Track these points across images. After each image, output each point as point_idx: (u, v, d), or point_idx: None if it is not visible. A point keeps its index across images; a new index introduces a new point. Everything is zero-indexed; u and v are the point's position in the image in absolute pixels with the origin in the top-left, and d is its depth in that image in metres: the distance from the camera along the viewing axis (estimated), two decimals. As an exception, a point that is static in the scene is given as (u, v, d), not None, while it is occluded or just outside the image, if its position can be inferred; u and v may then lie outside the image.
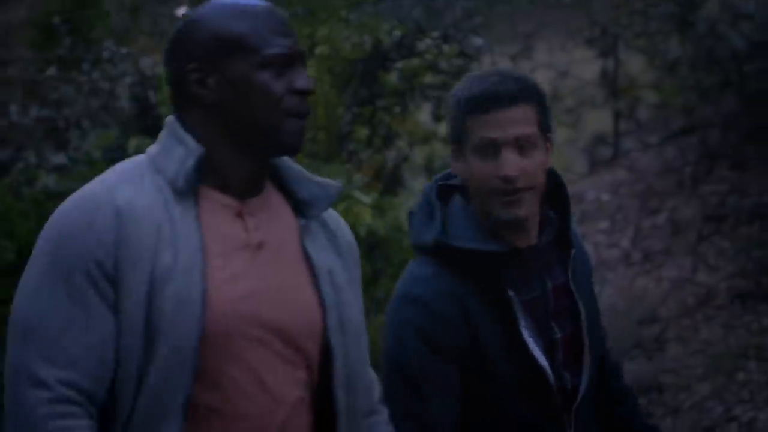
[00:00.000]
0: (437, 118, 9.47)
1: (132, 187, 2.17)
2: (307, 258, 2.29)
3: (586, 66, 10.71)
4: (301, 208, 2.32)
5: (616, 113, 10.57)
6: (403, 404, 2.54)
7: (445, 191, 2.71)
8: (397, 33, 8.94)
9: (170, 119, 2.27)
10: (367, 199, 7.25)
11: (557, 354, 2.65)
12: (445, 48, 8.81)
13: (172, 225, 2.15)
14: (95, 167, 7.30)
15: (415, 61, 8.63)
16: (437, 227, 2.61)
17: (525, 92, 2.60)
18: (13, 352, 2.12)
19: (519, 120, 2.56)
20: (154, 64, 8.29)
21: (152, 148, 2.26)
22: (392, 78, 8.48)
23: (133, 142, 7.33)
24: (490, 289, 2.59)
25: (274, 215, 2.29)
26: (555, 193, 2.72)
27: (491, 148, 2.56)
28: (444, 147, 9.61)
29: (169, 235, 2.14)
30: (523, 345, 2.58)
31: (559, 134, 10.27)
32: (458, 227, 2.62)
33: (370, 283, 8.06)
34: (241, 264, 2.21)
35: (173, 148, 2.21)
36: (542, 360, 2.59)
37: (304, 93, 2.23)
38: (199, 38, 2.22)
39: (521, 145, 2.56)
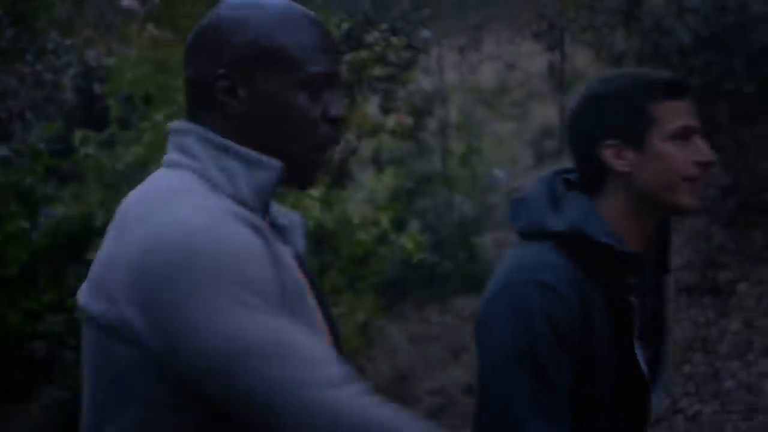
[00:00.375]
0: (385, 110, 9.46)
1: (231, 220, 1.91)
2: (314, 287, 2.17)
3: (534, 59, 10.77)
4: (278, 233, 2.17)
5: (563, 106, 10.64)
6: (529, 395, 2.36)
7: (567, 184, 2.58)
8: (346, 25, 8.92)
9: (194, 127, 2.03)
10: (315, 192, 7.22)
11: (649, 371, 2.61)
12: (394, 40, 8.81)
13: (270, 249, 1.95)
14: (39, 159, 7.21)
15: (363, 54, 8.61)
16: (577, 217, 2.46)
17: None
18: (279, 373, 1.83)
19: (694, 111, 2.48)
20: (98, 55, 8.19)
21: (187, 162, 2.00)
22: (340, 70, 8.47)
23: (77, 134, 7.24)
24: (615, 290, 2.46)
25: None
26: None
27: (687, 135, 2.45)
28: (392, 139, 9.61)
29: (276, 261, 1.95)
30: (632, 355, 2.49)
31: (506, 127, 10.30)
32: (593, 222, 2.46)
33: (318, 276, 8.08)
34: None
35: (222, 162, 1.99)
36: (648, 374, 2.53)
37: (337, 121, 2.04)
38: (235, 41, 2.01)
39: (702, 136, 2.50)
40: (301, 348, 1.81)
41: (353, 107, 8.77)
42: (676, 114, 2.44)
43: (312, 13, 2.06)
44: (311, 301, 2.04)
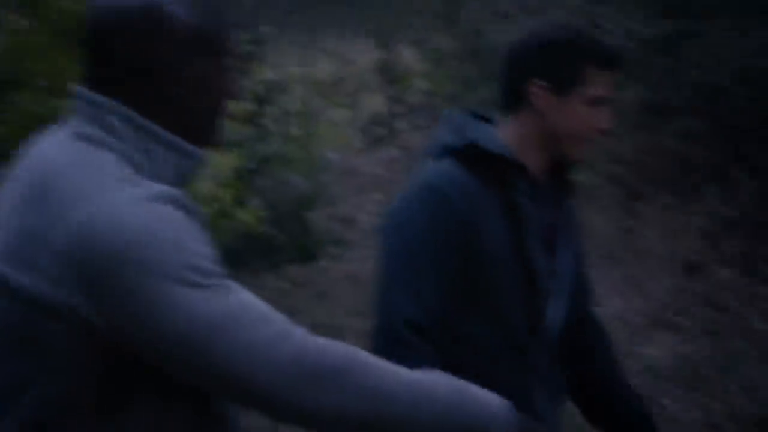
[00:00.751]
0: (230, 97, 9.54)
1: (170, 197, 1.85)
2: None
3: (366, 55, 10.90)
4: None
5: (391, 97, 10.83)
6: (401, 281, 2.49)
7: (472, 116, 2.66)
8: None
9: (122, 109, 1.91)
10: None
11: (551, 278, 2.63)
12: (237, 34, 8.88)
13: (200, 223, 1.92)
14: None
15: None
16: (472, 134, 2.57)
17: None
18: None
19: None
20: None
21: (112, 142, 1.89)
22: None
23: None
24: (508, 197, 2.55)
25: None
26: None
27: (601, 102, 2.55)
28: (234, 123, 9.72)
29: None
30: (526, 251, 2.56)
31: (340, 114, 10.46)
32: (489, 138, 2.57)
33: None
34: None
35: (149, 147, 1.92)
36: (541, 269, 2.58)
37: (234, 98, 2.02)
38: (174, 25, 1.90)
39: None
40: (250, 310, 1.81)
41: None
42: (602, 84, 2.54)
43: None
44: None
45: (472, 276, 2.53)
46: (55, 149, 1.90)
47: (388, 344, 2.46)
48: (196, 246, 1.81)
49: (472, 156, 2.57)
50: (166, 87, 1.92)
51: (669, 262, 7.05)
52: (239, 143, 9.59)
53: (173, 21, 1.90)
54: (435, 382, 1.95)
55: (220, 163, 9.08)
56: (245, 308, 1.81)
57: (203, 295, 1.78)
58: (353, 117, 10.20)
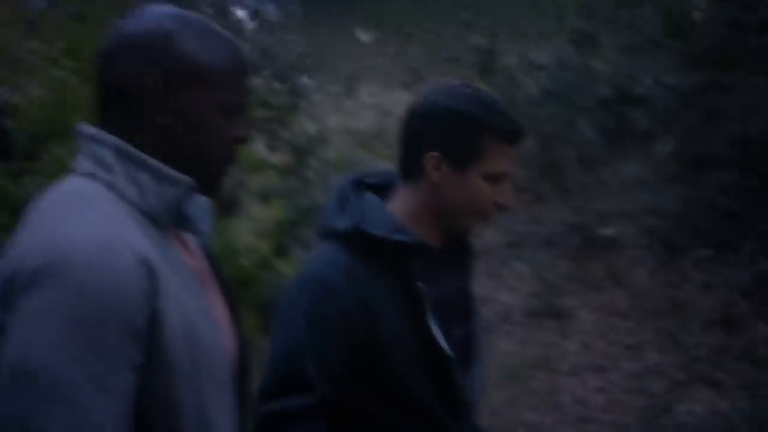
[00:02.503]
0: (271, 148, 9.59)
1: (133, 227, 1.80)
2: (219, 278, 2.06)
3: (404, 106, 10.90)
4: (185, 222, 1.99)
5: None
6: (283, 379, 2.31)
7: (359, 187, 2.50)
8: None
9: (109, 137, 1.88)
10: (202, 222, 7.33)
11: (454, 350, 2.47)
12: (276, 86, 8.94)
13: (171, 264, 1.85)
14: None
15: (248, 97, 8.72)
16: (356, 216, 2.40)
17: None
18: (29, 414, 1.66)
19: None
20: (8, 92, 8.22)
21: (99, 172, 1.86)
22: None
23: (-14, 166, 7.28)
24: (401, 280, 2.38)
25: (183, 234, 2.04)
26: None
27: (501, 178, 2.37)
28: (277, 176, 9.75)
29: (176, 277, 1.84)
30: (430, 337, 2.39)
31: (381, 166, 10.44)
32: (374, 218, 2.40)
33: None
34: (208, 299, 1.94)
35: (136, 175, 1.86)
36: (448, 350, 2.41)
37: (242, 142, 1.95)
38: (171, 54, 1.86)
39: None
40: (73, 405, 1.67)
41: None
42: (502, 159, 2.37)
43: (231, 36, 1.95)
44: (206, 290, 1.95)
45: (375, 367, 2.36)
46: (54, 188, 1.87)
47: None
48: (114, 305, 1.69)
49: (357, 239, 2.39)
50: (154, 116, 1.86)
51: (707, 317, 6.93)
52: (280, 194, 9.62)
53: (170, 49, 1.86)
54: None
55: (261, 214, 9.13)
56: (71, 400, 1.66)
57: (62, 354, 1.66)
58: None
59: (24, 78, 8.69)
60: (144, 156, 1.85)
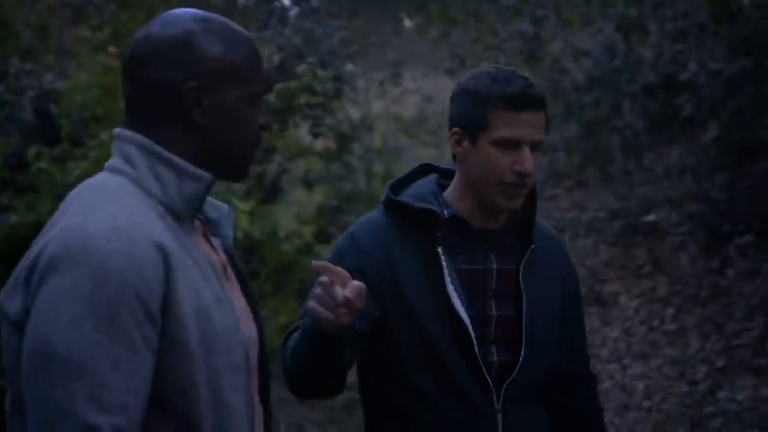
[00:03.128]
0: (314, 134, 9.64)
1: (153, 217, 1.93)
2: (240, 276, 2.17)
3: (448, 93, 10.89)
4: (210, 226, 2.16)
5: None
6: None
7: (426, 169, 2.76)
8: (278, 57, 9.07)
9: (135, 135, 1.99)
10: (244, 205, 7.37)
11: (488, 328, 2.61)
12: (320, 72, 8.97)
13: (189, 255, 1.96)
14: (-5, 172, 7.35)
15: (292, 84, 8.76)
16: (404, 190, 2.68)
17: (545, 101, 2.58)
18: (54, 391, 1.81)
19: (539, 125, 2.54)
20: (54, 79, 8.32)
21: (125, 168, 1.99)
22: (271, 98, 8.59)
23: (32, 150, 7.39)
24: (425, 244, 2.59)
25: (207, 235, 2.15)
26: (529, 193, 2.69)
27: (515, 144, 2.53)
28: (320, 162, 9.80)
29: (194, 266, 1.95)
30: (447, 299, 2.55)
31: (425, 152, 10.48)
32: (413, 190, 2.66)
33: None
34: (227, 288, 2.05)
35: (158, 171, 1.98)
36: (463, 313, 2.55)
37: (267, 129, 2.11)
38: (205, 55, 1.99)
39: (533, 147, 2.55)
40: (93, 381, 1.80)
41: (283, 132, 8.94)
42: (511, 125, 2.52)
43: (248, 33, 2.09)
44: (225, 282, 2.05)
45: (397, 319, 2.57)
46: (83, 183, 2.02)
47: None
48: (129, 291, 1.83)
49: (392, 206, 2.65)
50: (192, 116, 1.99)
51: (749, 303, 6.89)
52: (323, 180, 9.67)
53: (200, 51, 1.99)
54: None
55: (304, 200, 9.19)
56: (93, 375, 1.80)
57: (82, 335, 1.81)
58: (437, 155, 10.19)
59: (70, 64, 8.80)
60: (167, 153, 1.98)
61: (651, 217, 8.16)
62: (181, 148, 2.00)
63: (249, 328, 2.07)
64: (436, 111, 10.68)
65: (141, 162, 1.98)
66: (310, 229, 8.25)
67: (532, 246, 2.66)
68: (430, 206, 2.60)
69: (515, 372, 2.60)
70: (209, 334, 1.93)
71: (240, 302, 2.09)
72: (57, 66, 8.89)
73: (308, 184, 9.68)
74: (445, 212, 2.61)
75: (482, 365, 2.58)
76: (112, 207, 1.90)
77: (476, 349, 2.56)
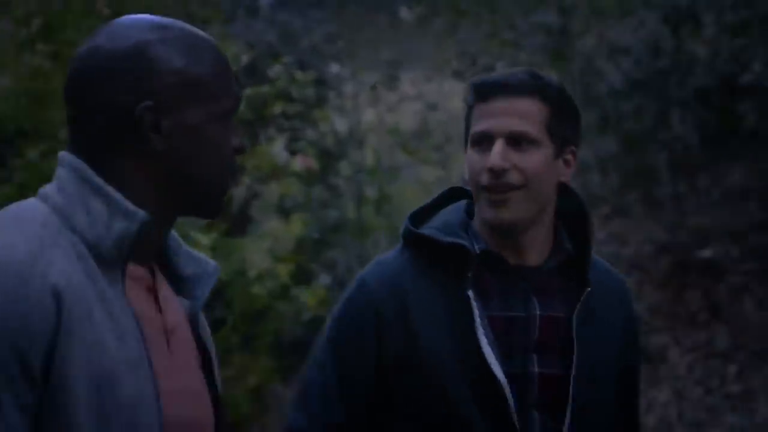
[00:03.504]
0: (292, 151, 9.62)
1: (60, 255, 1.92)
2: (201, 347, 2.15)
3: (456, 99, 10.90)
4: (180, 284, 2.14)
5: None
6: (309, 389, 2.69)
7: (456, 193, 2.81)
8: (247, 57, 9.06)
9: (73, 159, 2.00)
10: (204, 239, 7.36)
11: (529, 390, 2.60)
12: (299, 75, 8.97)
13: (105, 307, 1.94)
14: None
15: (264, 89, 8.76)
16: (428, 220, 2.71)
17: (534, 86, 2.62)
18: None
19: (518, 113, 2.60)
20: None
21: (54, 195, 2.00)
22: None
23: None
24: (451, 287, 2.61)
25: (167, 291, 2.13)
26: (577, 222, 2.72)
27: (486, 140, 2.60)
28: (299, 185, 9.78)
29: (107, 321, 1.93)
30: (479, 354, 2.55)
31: (427, 172, 10.48)
32: (439, 219, 2.68)
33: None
34: (166, 356, 2.04)
35: (90, 203, 1.98)
36: (499, 371, 2.55)
37: (242, 151, 2.09)
38: (159, 70, 2.00)
39: (517, 141, 2.59)
40: None
41: (253, 147, 8.92)
42: (477, 119, 2.64)
43: (212, 38, 2.09)
44: (148, 351, 2.01)
45: (411, 380, 2.60)
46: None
47: None
48: (9, 350, 1.83)
49: (414, 241, 2.69)
50: (149, 143, 1.98)
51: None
52: (303, 207, 9.65)
53: (156, 64, 1.99)
54: None
55: (278, 231, 9.16)
56: None
57: None
58: (445, 176, 10.18)
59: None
60: (103, 183, 1.98)
61: (707, 253, 8.16)
62: (136, 182, 2.00)
63: (191, 411, 2.06)
64: (441, 121, 10.67)
65: (72, 190, 1.99)
66: (286, 268, 8.23)
67: (588, 288, 2.66)
68: (459, 240, 2.61)
69: None
70: (108, 407, 1.90)
71: (183, 377, 2.06)
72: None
73: (284, 211, 9.66)
74: (476, 247, 2.63)
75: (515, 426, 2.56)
76: (14, 237, 1.90)
77: (515, 416, 2.56)
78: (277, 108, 9.01)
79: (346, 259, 9.53)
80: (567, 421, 2.60)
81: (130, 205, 1.98)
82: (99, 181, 1.98)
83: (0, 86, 8.10)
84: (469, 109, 2.67)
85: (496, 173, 2.58)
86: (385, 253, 2.76)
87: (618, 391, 2.72)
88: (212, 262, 2.18)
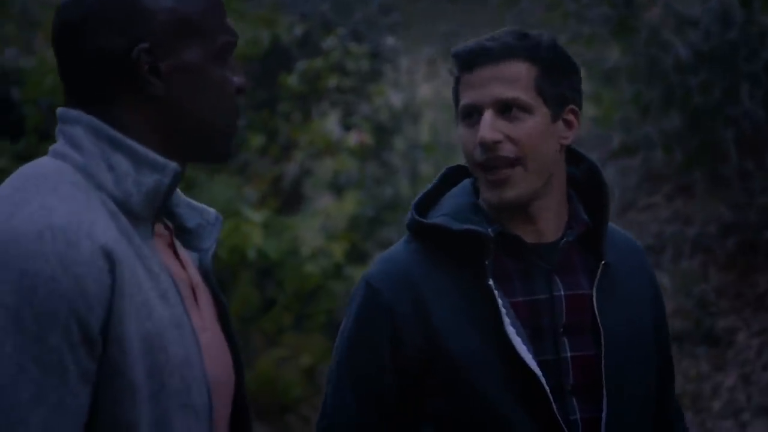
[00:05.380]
0: (346, 126, 9.62)
1: (99, 214, 1.90)
2: (216, 300, 2.15)
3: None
4: (185, 237, 2.15)
5: (549, 127, 10.74)
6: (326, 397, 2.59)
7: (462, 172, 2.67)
8: (300, 29, 9.07)
9: (80, 115, 1.98)
10: (257, 216, 7.37)
11: (564, 376, 2.52)
12: (354, 48, 8.97)
13: (145, 265, 1.94)
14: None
15: (318, 62, 8.76)
16: (433, 207, 2.59)
17: (519, 47, 2.50)
18: None
19: (505, 79, 2.49)
20: (18, 55, 8.34)
21: (70, 153, 1.96)
22: (292, 80, 8.58)
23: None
24: (468, 277, 2.50)
25: (179, 246, 2.13)
26: (593, 188, 2.63)
27: (476, 113, 2.49)
28: (353, 161, 9.77)
29: (149, 280, 1.94)
30: (507, 345, 2.46)
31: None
32: (447, 205, 2.57)
33: (259, 314, 8.17)
34: (198, 313, 2.05)
35: (111, 158, 1.96)
36: (531, 362, 2.46)
37: (243, 91, 2.10)
38: (152, 10, 1.98)
39: (507, 108, 2.49)
40: (8, 416, 1.80)
41: (306, 122, 8.94)
42: (465, 90, 2.51)
43: None
44: (193, 305, 2.05)
45: (438, 382, 2.51)
46: (17, 171, 1.99)
47: None
48: (55, 302, 1.81)
49: (422, 231, 2.57)
50: (148, 87, 1.98)
51: None
52: (357, 184, 9.65)
53: (147, 4, 1.98)
54: None
55: (331, 209, 9.17)
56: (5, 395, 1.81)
57: (9, 359, 1.79)
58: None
59: (36, 36, 8.82)
60: (121, 136, 1.97)
61: (776, 232, 8.11)
62: (139, 130, 1.99)
63: (220, 368, 2.07)
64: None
65: (90, 147, 1.96)
66: (340, 247, 8.24)
67: (603, 261, 2.58)
68: (473, 226, 2.49)
69: (602, 430, 2.53)
70: (160, 367, 1.91)
71: (211, 334, 2.07)
72: (20, 39, 8.90)
73: (337, 188, 9.67)
74: (489, 230, 2.51)
75: (564, 428, 2.49)
76: (48, 198, 1.87)
77: (554, 406, 2.48)
78: (331, 82, 9.01)
79: (401, 237, 9.52)
80: (604, 403, 2.52)
81: (158, 157, 1.97)
82: (118, 134, 1.97)
83: (49, 58, 8.11)
84: (456, 81, 2.54)
85: (487, 147, 2.47)
86: (390, 249, 2.62)
87: (659, 363, 2.66)
88: (213, 211, 2.19)
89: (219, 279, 2.28)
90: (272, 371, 7.78)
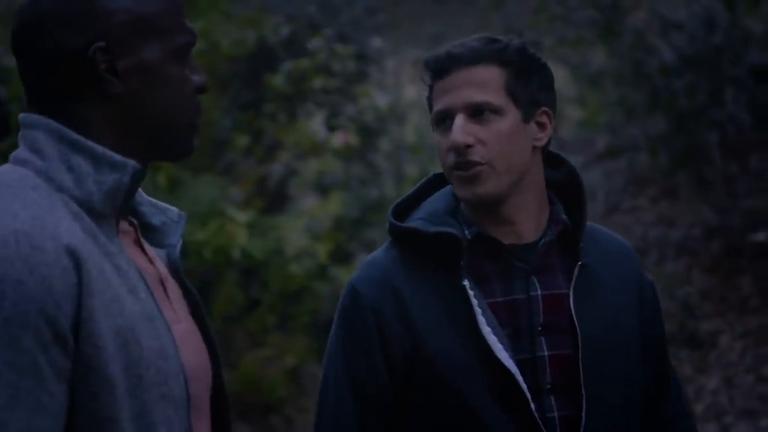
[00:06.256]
0: (331, 127, 9.62)
1: (61, 216, 1.94)
2: (187, 294, 2.20)
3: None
4: (151, 234, 2.19)
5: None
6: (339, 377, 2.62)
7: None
8: (286, 29, 9.06)
9: (40, 119, 2.01)
10: (242, 217, 7.37)
11: (541, 374, 2.57)
12: (340, 49, 8.97)
13: (111, 262, 1.98)
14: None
15: (303, 63, 8.76)
16: (413, 211, 2.65)
17: (489, 51, 2.56)
18: None
19: (475, 83, 2.54)
20: (4, 52, 8.33)
21: (31, 158, 1.99)
22: (278, 80, 8.58)
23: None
24: (445, 279, 2.56)
25: (146, 243, 2.18)
26: (571, 189, 2.69)
27: (448, 118, 2.54)
28: (338, 162, 9.78)
29: (117, 276, 1.97)
30: (484, 345, 2.51)
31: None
32: (424, 209, 2.63)
33: (244, 314, 8.18)
34: (168, 306, 2.10)
35: (71, 160, 1.99)
36: (507, 359, 2.50)
37: (203, 91, 2.13)
38: (109, 8, 2.01)
39: (479, 112, 2.54)
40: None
41: (292, 123, 8.94)
42: (438, 97, 2.58)
43: None
44: (162, 298, 2.09)
45: (421, 382, 2.57)
46: None
47: None
48: (37, 317, 1.85)
49: (400, 235, 2.64)
50: (106, 86, 2.01)
51: None
52: (342, 185, 9.66)
53: (104, 3, 2.02)
54: None
55: (316, 210, 9.18)
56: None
57: None
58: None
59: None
60: (80, 137, 2.00)
61: (759, 236, 8.12)
62: (99, 129, 2.03)
63: (196, 358, 2.11)
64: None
65: (50, 150, 2.00)
66: (324, 247, 8.24)
67: (579, 262, 2.62)
68: (446, 228, 2.56)
69: (582, 430, 2.56)
70: (136, 360, 1.95)
71: (185, 326, 2.12)
72: (5, 37, 8.88)
73: (322, 189, 9.67)
74: (467, 232, 2.58)
75: (541, 426, 2.53)
76: (11, 205, 1.92)
77: (532, 405, 2.52)
78: (317, 83, 9.01)
79: (385, 238, 9.52)
80: (584, 402, 2.56)
81: (117, 156, 2.01)
82: (76, 136, 2.00)
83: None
84: (429, 89, 2.61)
85: (459, 150, 2.53)
86: (373, 253, 2.68)
87: (647, 364, 2.70)
88: (176, 209, 2.23)
89: (203, 279, 2.32)
90: (256, 371, 7.79)
